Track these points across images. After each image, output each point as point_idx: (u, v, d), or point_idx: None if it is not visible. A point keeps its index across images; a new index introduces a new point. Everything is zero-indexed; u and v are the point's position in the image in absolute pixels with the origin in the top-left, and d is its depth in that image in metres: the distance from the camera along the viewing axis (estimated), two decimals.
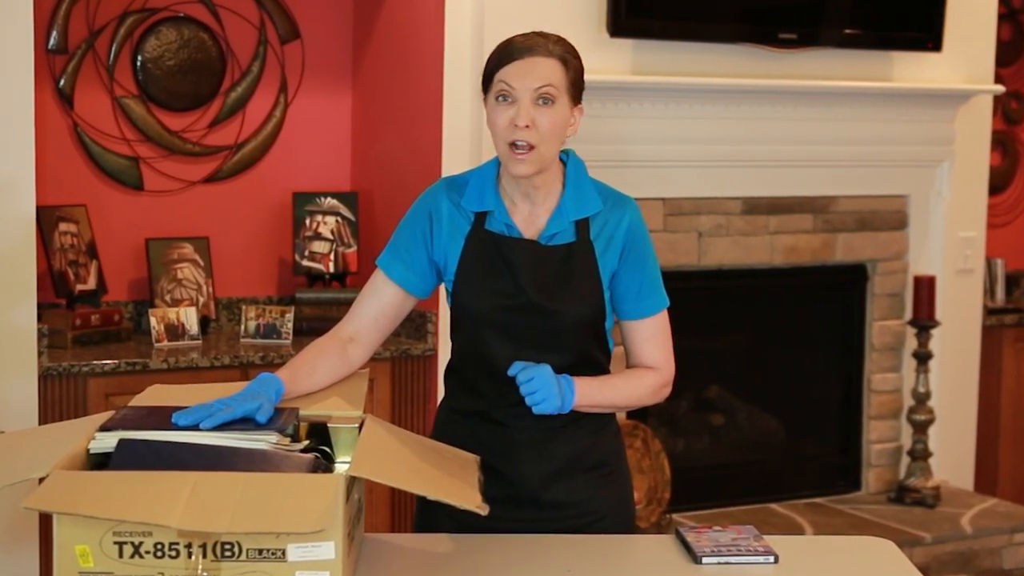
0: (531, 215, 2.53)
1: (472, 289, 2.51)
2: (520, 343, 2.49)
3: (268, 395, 2.34)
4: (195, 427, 2.22)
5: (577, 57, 2.51)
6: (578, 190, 2.53)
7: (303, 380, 2.47)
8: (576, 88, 2.50)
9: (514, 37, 2.50)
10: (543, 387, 2.39)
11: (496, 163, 2.56)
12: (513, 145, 2.44)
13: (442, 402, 2.69)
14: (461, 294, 2.53)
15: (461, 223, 2.54)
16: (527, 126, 2.42)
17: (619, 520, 2.60)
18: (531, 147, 2.44)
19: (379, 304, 2.58)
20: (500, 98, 2.46)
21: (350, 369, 2.56)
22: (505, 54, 2.46)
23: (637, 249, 2.54)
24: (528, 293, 2.48)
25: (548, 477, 2.54)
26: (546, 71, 2.44)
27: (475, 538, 2.41)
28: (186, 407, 2.27)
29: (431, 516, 2.55)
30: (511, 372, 2.42)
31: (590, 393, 2.48)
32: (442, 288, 2.66)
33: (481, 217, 2.53)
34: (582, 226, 2.51)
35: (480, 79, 2.54)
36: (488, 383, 2.53)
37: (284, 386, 2.40)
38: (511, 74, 2.44)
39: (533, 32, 2.51)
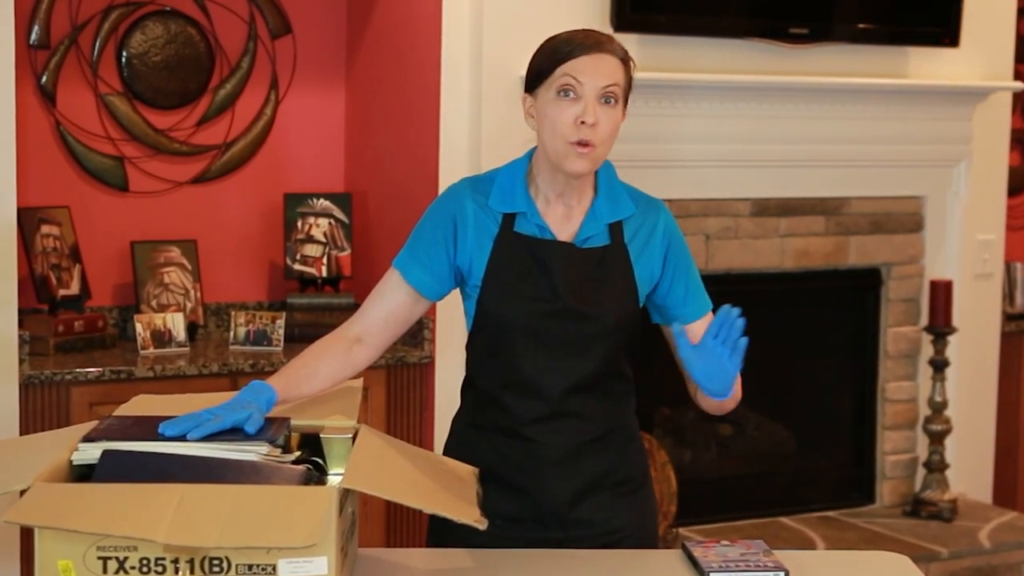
0: (565, 217, 2.53)
1: (503, 295, 2.50)
2: (551, 350, 2.49)
3: (259, 404, 2.33)
4: (182, 438, 2.22)
5: (632, 60, 2.53)
6: (611, 192, 2.54)
7: (301, 385, 2.46)
8: (629, 91, 2.52)
9: (569, 33, 2.48)
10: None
11: (525, 162, 2.55)
12: (576, 143, 2.43)
13: (458, 415, 2.66)
14: (489, 300, 2.51)
15: (488, 225, 2.52)
16: (594, 124, 2.42)
17: (643, 537, 2.60)
18: (592, 145, 2.44)
19: (391, 306, 2.56)
20: (563, 93, 2.44)
21: (354, 371, 2.55)
22: (571, 47, 2.44)
23: (678, 252, 2.59)
24: (565, 298, 2.48)
25: (576, 495, 2.53)
26: (613, 69, 2.46)
27: (474, 553, 2.41)
28: (173, 417, 2.27)
29: (440, 533, 2.54)
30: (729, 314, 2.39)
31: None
32: None
33: (510, 219, 2.52)
34: (616, 229, 2.53)
35: (524, 73, 2.52)
36: (513, 396, 2.52)
37: (276, 395, 2.39)
38: (579, 68, 2.43)
39: (587, 29, 2.50)
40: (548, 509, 2.53)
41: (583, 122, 2.42)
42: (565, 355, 2.49)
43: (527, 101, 2.51)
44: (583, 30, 2.50)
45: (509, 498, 2.39)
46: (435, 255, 2.54)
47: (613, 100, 2.45)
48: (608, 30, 4.27)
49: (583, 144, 2.43)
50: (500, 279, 2.50)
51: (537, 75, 2.48)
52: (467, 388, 2.62)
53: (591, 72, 2.43)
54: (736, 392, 2.56)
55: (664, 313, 2.62)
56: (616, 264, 2.52)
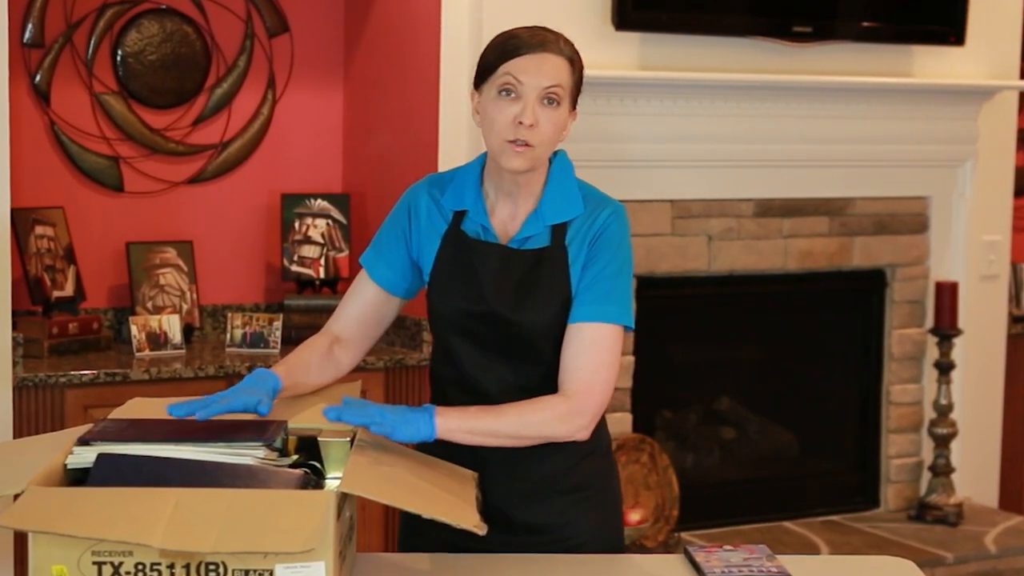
0: (510, 217, 2.52)
1: (441, 291, 2.52)
2: (485, 351, 2.49)
3: (266, 390, 2.37)
4: (190, 415, 2.29)
5: (581, 60, 2.49)
6: (560, 193, 2.50)
7: (299, 377, 2.50)
8: (577, 92, 2.49)
9: (518, 30, 2.47)
10: (387, 419, 2.33)
11: (480, 162, 2.56)
12: (512, 141, 2.42)
13: None
14: (432, 295, 2.54)
15: (439, 222, 2.55)
16: (532, 125, 2.40)
17: (602, 547, 2.55)
18: (530, 145, 2.42)
19: (362, 305, 2.60)
20: (505, 92, 2.42)
21: (338, 370, 2.58)
22: (513, 46, 2.43)
23: (600, 247, 2.47)
24: (489, 300, 2.47)
25: (520, 498, 2.52)
26: (556, 70, 2.42)
27: (473, 557, 2.41)
28: (169, 419, 2.28)
29: (412, 537, 2.56)
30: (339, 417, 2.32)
31: (460, 418, 2.37)
32: None
33: (459, 217, 2.53)
34: (558, 231, 2.49)
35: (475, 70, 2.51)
36: (457, 392, 2.53)
37: (280, 382, 2.42)
38: (520, 68, 2.41)
39: (537, 27, 2.48)
40: (493, 510, 2.48)
41: (521, 122, 2.40)
42: (500, 356, 2.48)
43: (474, 97, 2.51)
44: (531, 27, 2.47)
45: None
46: (395, 250, 2.58)
47: (556, 101, 2.42)
48: (609, 28, 4.29)
49: (520, 144, 2.42)
50: (441, 275, 2.52)
51: (482, 72, 2.47)
52: (431, 382, 2.65)
53: (533, 72, 2.41)
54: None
55: None
56: (551, 267, 2.47)
